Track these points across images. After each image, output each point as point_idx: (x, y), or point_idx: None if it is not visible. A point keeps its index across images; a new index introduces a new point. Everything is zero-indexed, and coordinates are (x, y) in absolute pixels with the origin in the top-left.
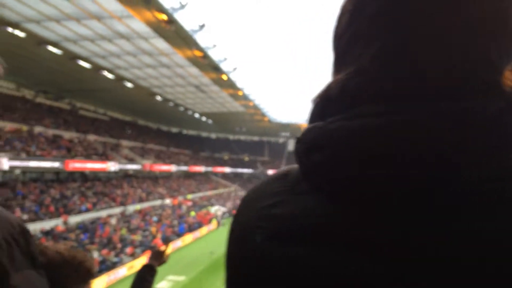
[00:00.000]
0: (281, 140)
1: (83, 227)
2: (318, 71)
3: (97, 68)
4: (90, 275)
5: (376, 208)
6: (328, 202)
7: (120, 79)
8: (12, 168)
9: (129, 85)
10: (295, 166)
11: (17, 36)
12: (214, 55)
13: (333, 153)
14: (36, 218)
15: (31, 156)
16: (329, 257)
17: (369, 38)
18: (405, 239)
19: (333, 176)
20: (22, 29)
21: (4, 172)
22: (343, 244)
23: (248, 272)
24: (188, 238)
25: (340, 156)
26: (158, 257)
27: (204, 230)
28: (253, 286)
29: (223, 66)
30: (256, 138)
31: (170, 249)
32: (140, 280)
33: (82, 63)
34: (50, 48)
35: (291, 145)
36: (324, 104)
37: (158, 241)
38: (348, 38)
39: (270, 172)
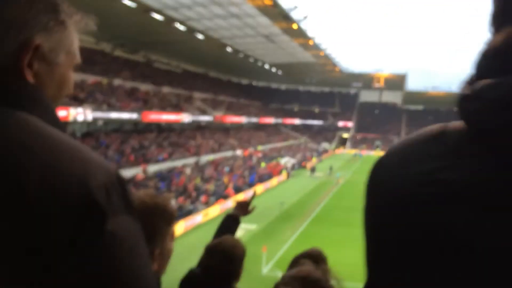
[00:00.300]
0: (352, 91)
1: (160, 176)
2: (391, 20)
3: (169, 20)
4: (173, 218)
5: None
6: (505, 167)
7: (191, 30)
8: (95, 119)
9: (200, 36)
10: (449, 124)
11: None
12: (284, 3)
13: None
14: (118, 166)
15: (111, 107)
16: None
17: None
18: None
19: None
20: None
21: (88, 123)
22: None
23: (415, 243)
24: (259, 188)
25: None
26: (243, 208)
27: (274, 181)
28: (421, 256)
29: (294, 15)
30: (326, 89)
31: (254, 200)
32: (224, 228)
33: (155, 15)
34: (125, 1)
35: (363, 96)
36: (503, 59)
37: (230, 190)
38: None
39: (341, 123)
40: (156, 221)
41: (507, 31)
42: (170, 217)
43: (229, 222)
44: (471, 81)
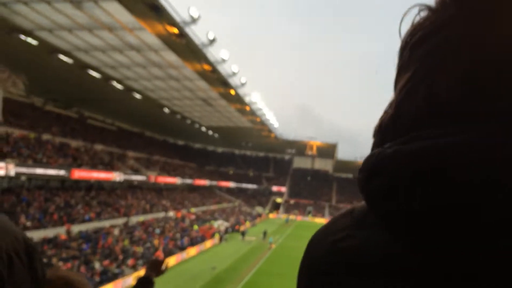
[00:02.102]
0: (286, 157)
1: (85, 237)
2: (324, 90)
3: (107, 78)
4: None
5: (439, 239)
6: (388, 233)
7: (129, 89)
8: (18, 175)
9: (137, 96)
10: (361, 202)
11: (29, 44)
12: (223, 69)
13: (390, 177)
14: (39, 225)
15: (37, 163)
16: None
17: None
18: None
19: (389, 203)
20: (34, 37)
21: (10, 178)
22: (404, 277)
23: None
24: (190, 251)
25: (397, 180)
26: (156, 268)
27: (207, 244)
28: None
29: (232, 81)
30: (261, 154)
31: (167, 260)
32: None
33: (93, 72)
34: (62, 56)
35: (296, 162)
36: (381, 134)
37: (160, 253)
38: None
39: (275, 188)
40: None
41: (385, 112)
42: None
43: (143, 285)
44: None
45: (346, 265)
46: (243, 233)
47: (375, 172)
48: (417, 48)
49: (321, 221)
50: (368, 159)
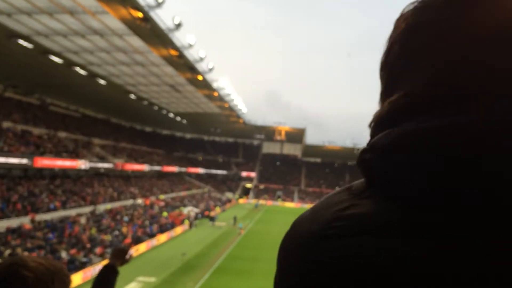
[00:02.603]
0: (255, 142)
1: (51, 226)
2: (293, 75)
3: (69, 63)
4: (70, 280)
5: (457, 215)
6: (394, 202)
7: (93, 75)
8: None
9: (102, 82)
10: (354, 182)
11: None
12: (190, 54)
13: (415, 152)
14: (2, 215)
15: None
16: (407, 249)
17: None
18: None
19: (417, 178)
20: None
21: None
22: (424, 236)
23: (327, 274)
24: (161, 238)
25: (421, 157)
26: (120, 256)
27: (176, 230)
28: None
29: (199, 66)
30: (230, 140)
31: (133, 248)
32: (101, 281)
33: (54, 58)
34: (21, 41)
35: (266, 148)
36: (381, 123)
37: (129, 241)
38: (400, 66)
39: (244, 173)
40: (55, 286)
41: (389, 100)
42: (69, 281)
43: (107, 273)
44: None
45: (356, 227)
46: (212, 219)
47: (397, 147)
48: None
49: (291, 205)
50: (385, 137)
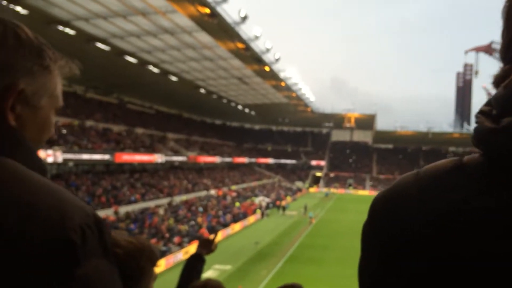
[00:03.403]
0: (324, 131)
1: (132, 217)
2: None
3: (143, 62)
4: (158, 259)
5: None
6: None
7: (165, 73)
8: (66, 161)
9: (173, 78)
10: (462, 159)
11: (67, 34)
12: (257, 46)
13: None
14: None
15: (83, 149)
16: None
17: None
18: None
19: None
20: (72, 27)
21: (59, 164)
22: None
23: (450, 270)
24: (235, 227)
25: None
26: (207, 246)
27: (249, 220)
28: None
29: (266, 57)
30: (299, 129)
31: (218, 238)
32: (189, 269)
33: (129, 58)
34: (99, 44)
35: (335, 135)
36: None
37: (204, 231)
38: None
39: (314, 162)
40: (143, 263)
41: None
42: (156, 258)
43: (194, 262)
44: (491, 115)
45: (485, 229)
46: (283, 208)
47: None
48: None
49: (364, 193)
50: None
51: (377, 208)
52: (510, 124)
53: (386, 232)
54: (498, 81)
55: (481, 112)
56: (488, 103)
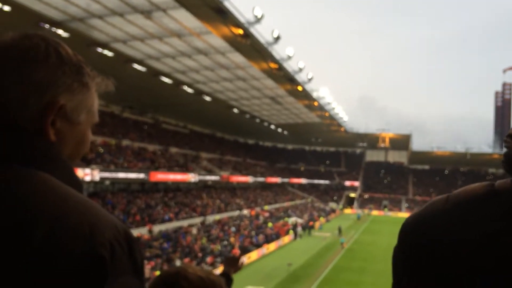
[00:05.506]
0: (358, 151)
1: (166, 236)
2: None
3: (177, 83)
4: None
5: None
6: None
7: (199, 93)
8: (102, 179)
9: (207, 98)
10: (495, 184)
11: (105, 56)
12: (289, 66)
13: None
14: None
15: (119, 167)
16: None
17: None
18: None
19: None
20: (110, 49)
21: (96, 183)
22: None
23: None
24: (270, 247)
25: None
26: (233, 264)
27: (282, 241)
28: None
29: (298, 77)
30: (332, 149)
31: (244, 257)
32: None
33: (164, 78)
34: (135, 65)
35: (369, 156)
36: None
37: (237, 251)
38: None
39: (347, 183)
40: None
41: None
42: None
43: None
44: None
45: None
46: (309, 229)
47: None
48: None
49: (402, 215)
50: None
51: (406, 232)
52: None
53: (414, 258)
54: None
55: (510, 136)
56: None
